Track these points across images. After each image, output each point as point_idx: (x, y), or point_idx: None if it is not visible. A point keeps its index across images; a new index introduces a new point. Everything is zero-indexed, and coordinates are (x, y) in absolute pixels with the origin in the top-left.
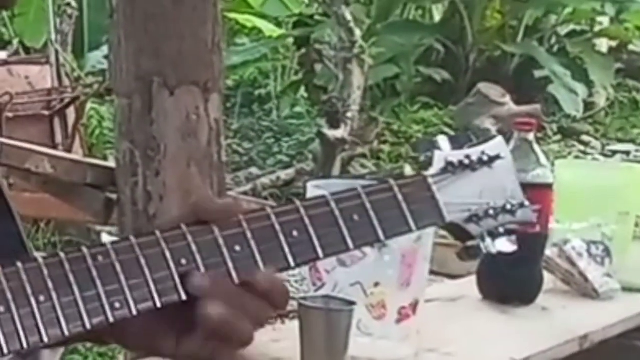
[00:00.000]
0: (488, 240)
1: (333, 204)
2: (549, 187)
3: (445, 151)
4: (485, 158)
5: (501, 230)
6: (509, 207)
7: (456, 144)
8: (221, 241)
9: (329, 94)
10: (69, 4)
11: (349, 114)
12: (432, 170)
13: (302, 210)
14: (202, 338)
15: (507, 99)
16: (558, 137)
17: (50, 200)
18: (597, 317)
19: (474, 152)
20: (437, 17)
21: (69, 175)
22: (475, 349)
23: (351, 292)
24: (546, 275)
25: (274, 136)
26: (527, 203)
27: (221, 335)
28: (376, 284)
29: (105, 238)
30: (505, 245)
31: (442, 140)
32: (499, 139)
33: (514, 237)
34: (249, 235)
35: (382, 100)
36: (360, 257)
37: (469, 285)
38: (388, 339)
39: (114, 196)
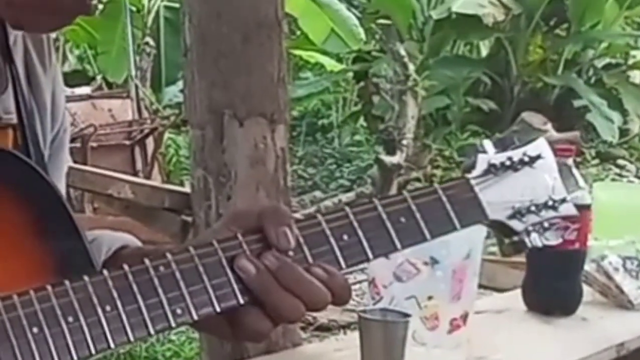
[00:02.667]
0: (534, 234)
1: (380, 208)
2: (587, 207)
3: (489, 154)
4: (526, 159)
5: (546, 224)
6: (550, 202)
7: (500, 146)
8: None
9: (386, 123)
10: (147, 43)
11: (404, 142)
12: (474, 173)
13: (351, 215)
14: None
15: (549, 126)
16: (596, 161)
17: (131, 222)
18: (633, 326)
19: (516, 154)
20: (484, 52)
21: (149, 200)
22: (520, 357)
23: (407, 305)
24: (585, 288)
25: (336, 162)
26: (569, 197)
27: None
28: (429, 298)
29: None
30: (551, 238)
31: (487, 144)
32: (541, 139)
33: (559, 231)
34: (301, 240)
35: (435, 129)
36: (414, 273)
37: (515, 298)
38: (441, 348)
39: (189, 219)
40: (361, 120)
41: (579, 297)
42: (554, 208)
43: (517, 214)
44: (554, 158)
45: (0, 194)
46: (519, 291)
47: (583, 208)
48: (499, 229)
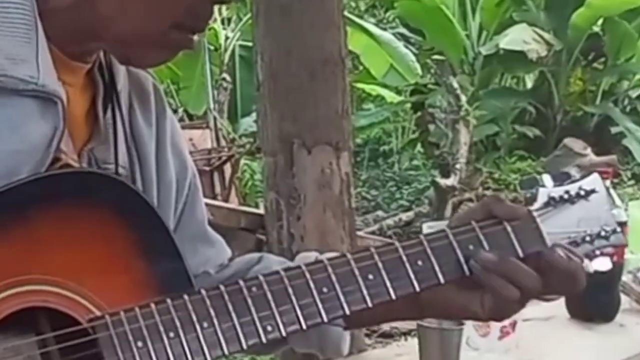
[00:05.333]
0: (586, 261)
1: (451, 237)
2: (623, 224)
3: (548, 187)
4: (582, 192)
5: (597, 252)
6: (603, 233)
7: (558, 180)
8: (357, 272)
9: (441, 149)
10: (224, 79)
11: (457, 166)
12: (536, 205)
13: (425, 243)
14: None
15: (589, 151)
16: (631, 182)
17: None
18: None
19: (573, 188)
20: (529, 85)
21: (226, 221)
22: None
23: None
24: (623, 297)
25: (396, 185)
26: (619, 229)
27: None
28: None
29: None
30: (601, 265)
31: (546, 179)
32: (595, 175)
33: (607, 259)
34: (379, 265)
35: (485, 154)
36: None
37: (559, 306)
38: (492, 352)
39: (263, 237)
40: (418, 147)
41: (617, 306)
42: (605, 238)
43: (574, 243)
44: (606, 192)
45: (110, 218)
46: (563, 301)
47: (620, 225)
48: None
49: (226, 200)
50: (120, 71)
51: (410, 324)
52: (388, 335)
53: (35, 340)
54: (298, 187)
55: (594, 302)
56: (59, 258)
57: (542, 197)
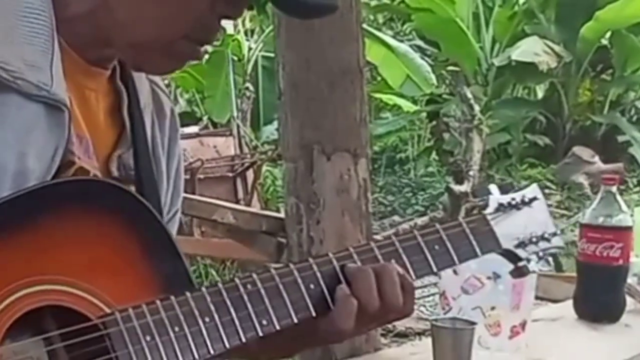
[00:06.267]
0: (532, 262)
1: (419, 238)
2: (629, 229)
3: (495, 195)
4: (526, 199)
5: (541, 254)
6: (545, 235)
7: (503, 191)
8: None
9: (455, 156)
10: (247, 88)
11: (470, 173)
12: (488, 210)
13: (397, 243)
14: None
15: (596, 159)
16: (637, 188)
17: (234, 244)
18: None
19: (517, 196)
20: (540, 95)
21: (248, 225)
22: (572, 358)
23: (473, 314)
24: (628, 299)
25: (412, 190)
26: (558, 231)
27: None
28: (492, 308)
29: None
30: (543, 267)
31: (493, 188)
32: (534, 185)
33: (549, 259)
34: (400, 251)
35: (497, 161)
36: (479, 286)
37: (567, 307)
38: (503, 351)
39: (284, 240)
40: (433, 154)
41: (623, 307)
42: (547, 240)
43: (522, 244)
44: (545, 200)
45: (116, 223)
46: (570, 302)
47: (625, 229)
48: (508, 256)
49: (249, 204)
50: (145, 88)
51: (425, 324)
52: (403, 335)
53: (41, 338)
54: (317, 192)
55: (600, 304)
56: (70, 259)
57: (492, 203)
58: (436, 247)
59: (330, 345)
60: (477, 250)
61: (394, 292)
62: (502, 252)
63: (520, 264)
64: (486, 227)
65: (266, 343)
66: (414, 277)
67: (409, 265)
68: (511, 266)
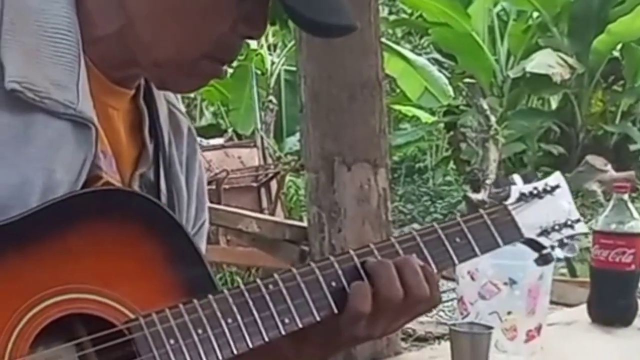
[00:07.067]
0: (557, 249)
1: (440, 231)
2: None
3: (518, 185)
4: (548, 188)
5: (565, 241)
6: (569, 222)
7: (526, 180)
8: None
9: (472, 166)
10: (270, 101)
11: (487, 181)
12: (510, 200)
13: (418, 238)
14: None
15: (609, 167)
16: None
17: (258, 252)
18: None
19: (540, 185)
20: (554, 105)
21: (272, 233)
22: None
23: (490, 319)
24: None
25: (430, 199)
26: (582, 218)
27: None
28: (509, 313)
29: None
30: (568, 253)
31: (516, 178)
32: (557, 173)
33: (574, 246)
34: (421, 245)
35: (513, 170)
36: (496, 292)
37: (581, 312)
38: (519, 355)
39: (306, 248)
40: (451, 164)
41: (635, 311)
42: (571, 227)
43: (545, 232)
44: (567, 187)
45: (139, 231)
46: (584, 306)
47: (637, 235)
48: (531, 245)
49: (272, 214)
50: (163, 107)
51: (444, 329)
52: (422, 339)
53: (73, 344)
54: (339, 202)
55: (613, 308)
56: (95, 268)
57: (514, 193)
58: (457, 239)
59: (352, 349)
60: (499, 240)
61: (417, 281)
62: (524, 241)
63: (545, 251)
64: (507, 217)
65: (298, 353)
66: (435, 269)
67: (430, 259)
68: (535, 254)
